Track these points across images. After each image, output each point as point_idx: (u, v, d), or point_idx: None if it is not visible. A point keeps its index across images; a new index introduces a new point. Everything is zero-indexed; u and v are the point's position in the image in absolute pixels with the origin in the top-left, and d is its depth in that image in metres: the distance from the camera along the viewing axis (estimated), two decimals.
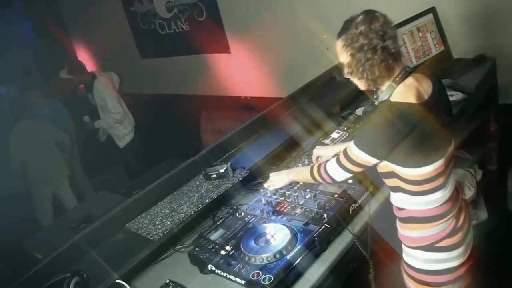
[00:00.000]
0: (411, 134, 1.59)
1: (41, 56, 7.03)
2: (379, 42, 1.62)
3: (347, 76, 1.77)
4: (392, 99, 1.65)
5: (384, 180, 1.83)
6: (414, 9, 3.36)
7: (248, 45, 4.94)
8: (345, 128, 2.76)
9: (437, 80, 1.78)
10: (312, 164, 2.13)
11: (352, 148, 1.74)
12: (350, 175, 1.88)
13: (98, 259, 2.02)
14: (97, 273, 1.96)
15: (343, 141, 2.62)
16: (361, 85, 1.76)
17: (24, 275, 1.98)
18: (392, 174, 1.74)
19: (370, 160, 1.72)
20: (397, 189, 1.77)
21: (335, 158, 1.88)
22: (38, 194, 5.14)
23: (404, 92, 1.66)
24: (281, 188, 2.25)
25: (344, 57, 1.72)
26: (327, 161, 1.96)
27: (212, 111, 5.66)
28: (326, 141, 2.67)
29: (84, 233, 2.18)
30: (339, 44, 1.72)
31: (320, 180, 2.00)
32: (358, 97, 3.15)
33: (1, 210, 4.34)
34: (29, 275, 1.97)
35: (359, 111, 2.95)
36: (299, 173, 2.19)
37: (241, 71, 5.17)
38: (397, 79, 1.68)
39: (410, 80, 1.69)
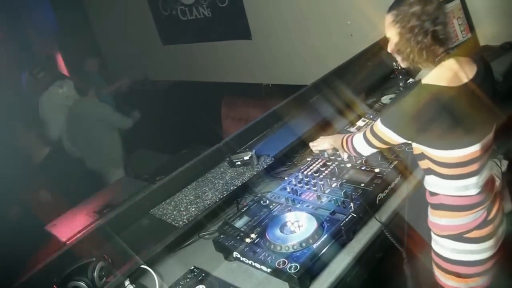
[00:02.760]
0: (440, 117, 1.56)
1: (61, 41, 7.05)
2: (430, 26, 1.57)
3: (391, 52, 1.74)
4: (424, 81, 1.61)
5: (418, 162, 1.81)
6: None
7: (270, 31, 4.89)
8: (371, 116, 2.72)
9: (484, 66, 1.71)
10: (344, 135, 2.12)
11: (378, 124, 1.74)
12: (375, 150, 1.90)
13: (123, 245, 2.03)
14: (122, 258, 1.97)
15: None
16: (404, 63, 1.72)
17: (49, 258, 1.99)
18: (423, 156, 1.72)
19: (395, 138, 1.70)
20: (428, 171, 1.75)
21: (362, 132, 1.89)
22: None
23: (439, 74, 1.61)
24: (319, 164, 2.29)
25: (391, 33, 1.68)
26: (354, 134, 1.99)
27: (233, 98, 5.63)
28: (352, 130, 2.64)
29: (109, 218, 2.20)
30: (389, 18, 1.66)
31: (347, 151, 2.06)
32: (383, 84, 3.11)
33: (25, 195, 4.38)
34: (54, 259, 1.99)
35: (384, 99, 2.91)
36: (336, 140, 2.17)
37: (262, 57, 5.13)
38: (436, 60, 1.63)
39: (450, 62, 1.63)
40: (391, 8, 1.67)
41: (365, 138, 1.86)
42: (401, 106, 1.64)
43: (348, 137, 2.02)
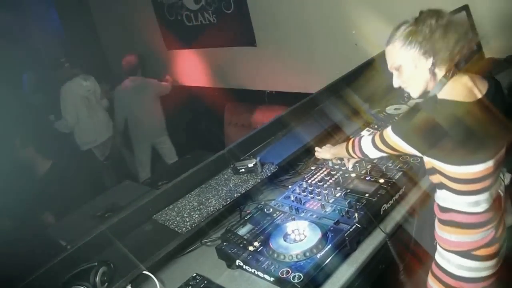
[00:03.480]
0: (455, 132, 1.55)
1: (66, 42, 7.04)
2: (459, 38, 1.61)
3: (402, 83, 1.75)
4: (440, 96, 1.62)
5: (429, 176, 1.79)
6: (447, 7, 3.28)
7: (275, 39, 4.90)
8: (376, 126, 2.72)
9: (495, 83, 1.72)
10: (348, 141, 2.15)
11: (389, 131, 1.75)
12: (382, 154, 1.91)
13: (125, 250, 2.02)
14: (124, 263, 1.96)
15: None
16: (417, 91, 1.73)
17: (51, 262, 1.98)
18: (434, 170, 1.71)
19: (404, 147, 1.70)
20: (440, 186, 1.73)
21: (371, 136, 1.91)
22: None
23: (454, 89, 1.61)
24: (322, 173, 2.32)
25: (402, 59, 1.68)
26: (361, 136, 2.01)
27: (236, 104, 5.64)
28: None
29: (111, 222, 2.18)
30: (398, 44, 1.67)
31: (353, 155, 2.08)
32: (388, 94, 3.10)
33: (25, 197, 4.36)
34: (56, 263, 1.98)
35: (389, 109, 2.91)
36: (340, 147, 2.23)
37: (267, 65, 5.14)
38: (448, 74, 1.63)
39: (464, 78, 1.64)
40: (393, 38, 1.68)
41: (373, 142, 1.88)
42: (415, 118, 1.62)
43: (355, 138, 2.04)
